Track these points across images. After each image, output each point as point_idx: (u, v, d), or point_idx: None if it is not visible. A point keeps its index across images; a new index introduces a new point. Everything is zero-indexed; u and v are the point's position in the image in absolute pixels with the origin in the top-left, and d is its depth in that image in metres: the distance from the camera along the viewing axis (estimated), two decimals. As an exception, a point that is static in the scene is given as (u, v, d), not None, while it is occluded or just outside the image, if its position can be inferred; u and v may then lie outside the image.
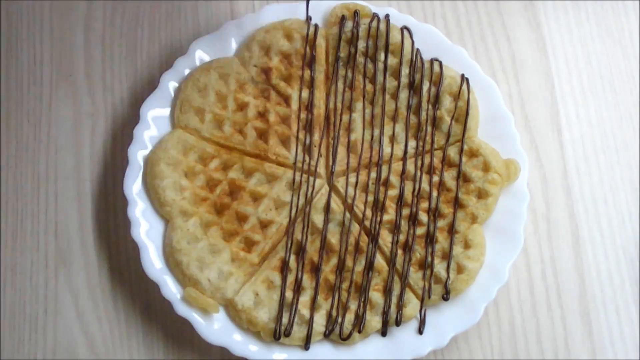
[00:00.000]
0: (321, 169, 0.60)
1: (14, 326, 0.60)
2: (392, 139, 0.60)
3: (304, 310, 0.57)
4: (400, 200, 0.58)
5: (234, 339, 0.57)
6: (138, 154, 0.60)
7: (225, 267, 0.58)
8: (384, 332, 0.57)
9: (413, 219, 0.58)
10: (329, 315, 0.57)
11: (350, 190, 0.59)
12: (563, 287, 0.60)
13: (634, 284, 0.60)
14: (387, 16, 0.62)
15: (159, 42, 0.66)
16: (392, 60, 0.61)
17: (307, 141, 0.60)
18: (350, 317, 0.57)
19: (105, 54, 0.66)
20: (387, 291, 0.57)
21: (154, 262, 0.58)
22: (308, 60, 0.62)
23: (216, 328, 0.57)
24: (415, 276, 0.57)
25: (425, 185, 0.59)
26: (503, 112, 0.61)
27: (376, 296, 0.57)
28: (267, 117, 0.61)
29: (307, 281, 0.58)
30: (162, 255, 0.59)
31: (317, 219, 0.58)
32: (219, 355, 0.58)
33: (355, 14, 0.62)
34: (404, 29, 0.62)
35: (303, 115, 0.61)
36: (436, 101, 0.60)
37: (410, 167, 0.59)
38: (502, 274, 0.57)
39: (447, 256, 0.57)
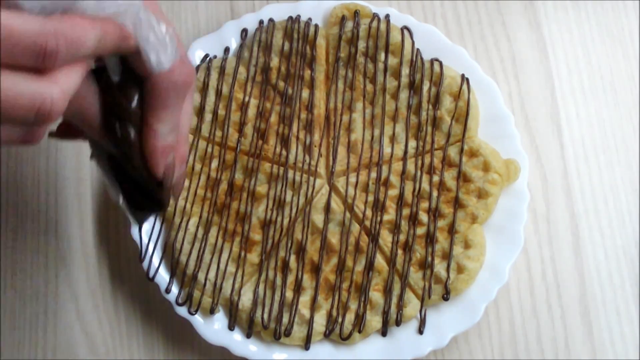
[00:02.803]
0: (321, 169, 0.60)
1: (14, 326, 0.60)
2: (393, 139, 0.60)
3: (304, 310, 0.57)
4: (400, 200, 0.58)
5: (234, 339, 0.57)
6: (138, 154, 0.60)
7: (225, 267, 0.58)
8: (384, 332, 0.57)
9: (413, 219, 0.58)
10: (329, 315, 0.57)
11: (351, 190, 0.59)
12: (563, 287, 0.60)
13: (634, 284, 0.60)
14: (387, 16, 0.62)
15: (159, 42, 0.66)
16: (393, 61, 0.61)
17: (307, 141, 0.60)
18: (350, 317, 0.57)
19: (105, 54, 0.65)
20: (387, 291, 0.57)
21: (154, 262, 0.58)
22: (308, 60, 0.62)
23: (216, 328, 0.57)
24: (415, 276, 0.57)
25: (425, 185, 0.59)
26: (503, 112, 0.60)
27: (376, 296, 0.57)
28: (267, 117, 0.61)
29: (308, 281, 0.58)
30: (162, 255, 0.59)
31: (317, 218, 0.58)
32: (219, 355, 0.58)
33: (356, 14, 0.62)
34: (404, 29, 0.62)
35: (303, 115, 0.61)
36: (436, 101, 0.60)
37: (411, 167, 0.59)
38: (502, 274, 0.57)
39: (447, 256, 0.57)
